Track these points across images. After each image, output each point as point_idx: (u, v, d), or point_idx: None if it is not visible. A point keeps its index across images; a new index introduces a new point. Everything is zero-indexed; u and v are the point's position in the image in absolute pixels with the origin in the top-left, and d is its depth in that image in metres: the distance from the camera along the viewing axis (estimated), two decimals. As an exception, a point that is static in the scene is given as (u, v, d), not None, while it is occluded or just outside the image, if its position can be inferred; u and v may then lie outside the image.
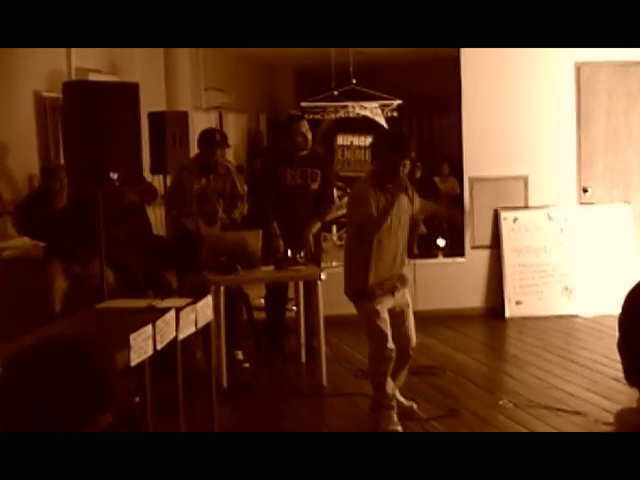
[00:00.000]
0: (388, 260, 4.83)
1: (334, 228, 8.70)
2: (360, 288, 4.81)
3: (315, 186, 6.37)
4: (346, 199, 7.52)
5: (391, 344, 4.80)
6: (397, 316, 4.92)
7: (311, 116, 8.58)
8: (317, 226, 6.39)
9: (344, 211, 7.63)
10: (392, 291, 4.88)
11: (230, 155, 9.55)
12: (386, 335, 4.79)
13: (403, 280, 4.97)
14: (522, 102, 7.75)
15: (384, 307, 4.83)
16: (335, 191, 7.69)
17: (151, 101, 6.92)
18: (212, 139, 6.35)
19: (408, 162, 4.70)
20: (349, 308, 5.03)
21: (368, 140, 8.89)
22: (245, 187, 6.58)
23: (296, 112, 8.29)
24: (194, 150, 6.76)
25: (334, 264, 7.47)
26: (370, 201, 4.68)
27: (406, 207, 4.84)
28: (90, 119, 5.17)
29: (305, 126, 6.32)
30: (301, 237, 6.22)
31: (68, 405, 1.59)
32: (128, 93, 5.38)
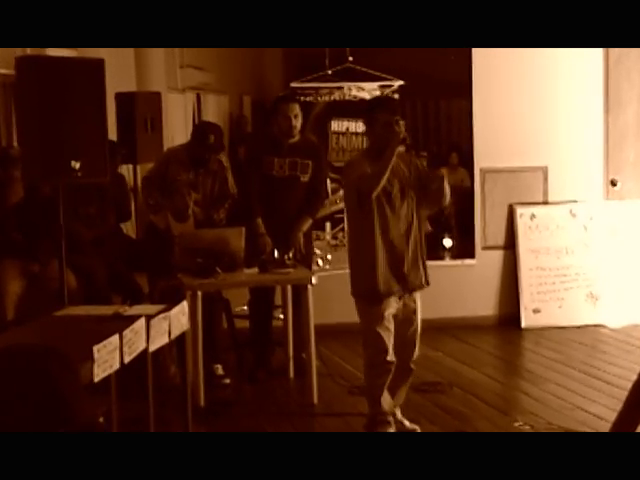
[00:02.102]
0: (397, 241, 4.83)
1: (328, 226, 8.68)
2: (369, 285, 4.80)
3: (306, 178, 6.36)
4: (341, 192, 7.51)
5: (391, 356, 4.81)
6: (402, 323, 4.92)
7: (302, 98, 8.55)
8: (308, 224, 6.38)
9: (340, 206, 7.63)
10: (404, 289, 4.87)
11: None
12: (386, 345, 4.80)
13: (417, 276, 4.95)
14: (541, 83, 7.75)
15: (390, 313, 4.84)
16: (329, 184, 7.67)
17: (119, 80, 6.88)
18: (204, 140, 6.27)
19: (402, 121, 4.80)
20: (343, 316, 5.04)
21: (366, 126, 8.88)
22: (235, 187, 6.54)
23: (285, 93, 8.26)
24: (168, 136, 6.74)
25: (327, 267, 7.46)
26: (363, 164, 4.77)
27: (409, 175, 4.88)
28: (48, 100, 5.14)
29: (295, 110, 6.29)
30: (289, 236, 6.20)
31: (24, 423, 1.57)
32: (92, 70, 5.35)
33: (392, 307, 4.85)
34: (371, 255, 4.81)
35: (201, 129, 6.48)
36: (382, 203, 4.77)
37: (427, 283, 5.02)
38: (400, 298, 4.89)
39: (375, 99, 6.12)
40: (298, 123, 6.29)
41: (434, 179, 4.93)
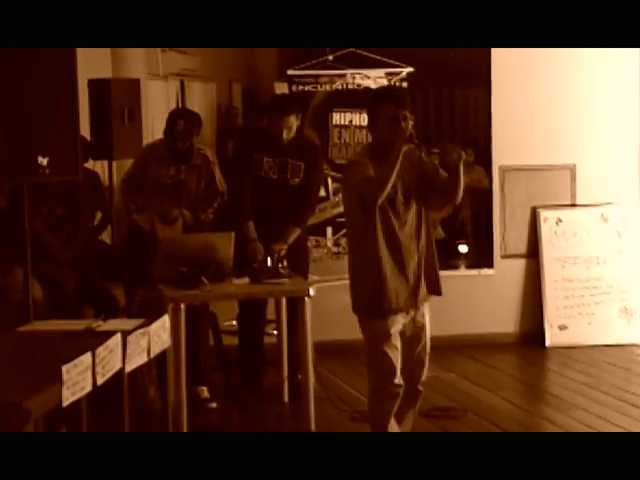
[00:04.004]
0: (404, 250, 4.82)
1: (329, 231, 8.67)
2: (373, 299, 4.80)
3: (296, 182, 6.37)
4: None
5: (399, 378, 4.80)
6: (409, 341, 4.91)
7: (300, 87, 8.55)
8: (294, 234, 6.35)
9: (342, 209, 7.63)
10: (412, 303, 4.87)
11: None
12: (393, 366, 4.79)
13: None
14: (569, 71, 7.77)
15: (397, 330, 4.83)
16: (330, 183, 7.67)
17: (92, 66, 6.89)
18: (173, 127, 6.32)
19: (409, 115, 4.76)
20: (344, 332, 5.04)
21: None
22: (224, 184, 6.55)
23: (280, 86, 8.26)
24: (148, 129, 6.74)
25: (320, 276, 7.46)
26: (367, 165, 4.73)
27: (415, 174, 4.87)
28: (12, 88, 5.13)
29: (289, 122, 6.27)
30: (271, 247, 6.18)
31: None
32: (62, 55, 5.34)
33: (399, 323, 4.84)
34: (374, 266, 4.79)
35: (171, 116, 6.51)
36: (385, 209, 4.75)
37: (439, 292, 5.01)
38: (408, 313, 4.89)
39: (380, 89, 6.10)
40: (292, 130, 6.31)
41: (449, 160, 4.89)
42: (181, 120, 6.39)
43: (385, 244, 4.80)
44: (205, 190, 6.46)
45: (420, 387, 5.03)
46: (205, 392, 6.31)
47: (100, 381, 3.82)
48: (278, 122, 6.26)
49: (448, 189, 4.87)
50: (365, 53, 9.29)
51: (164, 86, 9.65)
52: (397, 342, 4.84)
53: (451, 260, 8.01)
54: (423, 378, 5.03)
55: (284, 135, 6.26)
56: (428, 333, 5.00)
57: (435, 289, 5.00)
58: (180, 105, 7.92)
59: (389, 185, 4.67)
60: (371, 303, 4.84)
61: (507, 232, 7.89)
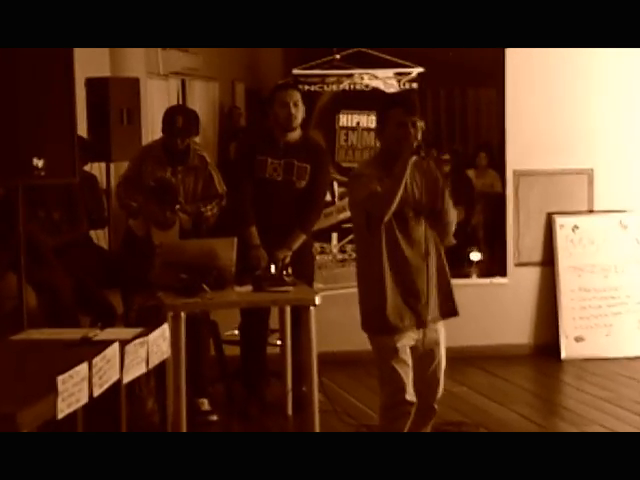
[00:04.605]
0: (413, 267, 4.79)
1: (334, 237, 8.66)
2: (377, 316, 4.78)
3: (302, 185, 6.36)
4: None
5: (411, 395, 4.77)
6: (422, 358, 4.88)
7: (306, 88, 8.55)
8: (299, 240, 6.36)
9: (348, 214, 7.62)
10: (419, 323, 4.84)
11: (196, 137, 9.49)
12: (403, 382, 4.77)
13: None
14: (587, 71, 7.76)
15: (406, 344, 4.80)
16: (336, 188, 7.67)
17: (90, 64, 6.90)
18: (171, 124, 6.33)
19: (419, 122, 4.71)
20: (351, 343, 5.03)
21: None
22: (224, 186, 6.55)
23: (286, 80, 8.27)
24: (147, 130, 6.75)
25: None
26: (373, 179, 4.68)
27: (425, 187, 4.82)
28: (7, 87, 5.14)
29: (295, 96, 6.31)
30: (274, 253, 6.17)
31: None
32: (58, 53, 5.35)
33: (408, 338, 4.81)
34: (379, 283, 4.76)
35: (168, 113, 6.51)
36: (391, 224, 4.71)
37: (455, 313, 4.97)
38: (419, 328, 4.86)
39: (391, 94, 6.02)
40: (299, 113, 6.31)
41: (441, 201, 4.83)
42: (179, 116, 6.39)
43: (388, 262, 4.75)
44: (203, 192, 6.46)
45: (435, 405, 5.00)
46: (206, 404, 6.30)
47: (97, 392, 3.82)
48: (283, 98, 6.27)
49: (440, 227, 4.84)
50: (374, 52, 9.29)
51: (164, 85, 9.65)
52: (406, 357, 4.80)
53: (462, 268, 7.99)
54: (438, 396, 5.00)
55: (292, 111, 6.23)
56: (443, 350, 4.95)
57: (450, 311, 4.96)
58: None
59: (396, 201, 4.62)
60: (375, 321, 4.82)
61: (521, 239, 7.88)
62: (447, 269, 4.93)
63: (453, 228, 4.89)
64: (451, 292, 4.95)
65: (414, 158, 4.64)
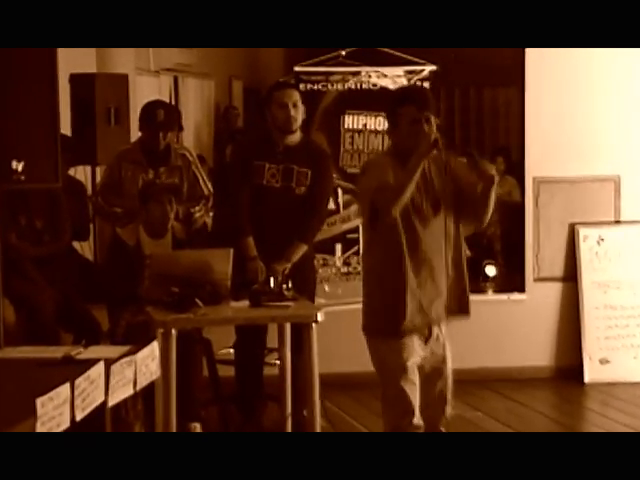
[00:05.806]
0: (433, 263, 4.83)
1: (338, 248, 8.67)
2: (390, 316, 4.80)
3: (302, 191, 6.37)
4: (355, 207, 7.51)
5: (418, 418, 4.79)
6: (429, 376, 4.92)
7: (309, 86, 8.56)
8: (299, 251, 6.36)
9: (353, 223, 7.63)
10: (426, 335, 4.86)
11: (189, 140, 9.50)
12: (411, 404, 4.79)
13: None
14: (612, 72, 7.77)
15: (415, 362, 4.82)
16: (340, 195, 7.67)
17: (75, 59, 6.91)
18: (152, 118, 6.33)
19: (432, 117, 4.77)
20: (356, 364, 5.02)
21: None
22: (210, 186, 6.57)
23: (287, 79, 8.29)
24: (136, 130, 6.75)
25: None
26: (386, 169, 4.75)
27: (443, 180, 4.87)
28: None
29: (293, 96, 6.32)
30: (272, 265, 6.18)
31: None
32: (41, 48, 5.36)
33: (416, 355, 4.83)
34: (397, 280, 4.79)
35: (146, 108, 6.50)
36: (410, 217, 4.77)
37: (467, 311, 5.01)
38: (426, 342, 4.88)
39: (401, 89, 6.12)
40: (299, 115, 6.32)
41: (480, 177, 4.91)
42: (160, 109, 6.39)
43: (409, 256, 4.80)
44: (188, 193, 6.46)
45: (442, 428, 5.02)
46: (198, 429, 6.31)
47: (79, 416, 3.82)
48: (281, 98, 6.28)
49: (476, 205, 4.89)
50: (382, 49, 9.30)
51: (155, 83, 9.67)
52: (415, 377, 4.83)
53: (477, 283, 7.99)
54: (446, 416, 5.02)
55: (291, 113, 6.25)
56: (449, 366, 4.99)
57: (463, 308, 4.99)
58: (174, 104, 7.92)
59: (407, 196, 4.67)
60: (388, 321, 4.84)
61: (541, 252, 7.89)
62: (465, 267, 4.99)
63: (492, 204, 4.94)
64: (466, 289, 5.00)
65: (434, 152, 4.72)
